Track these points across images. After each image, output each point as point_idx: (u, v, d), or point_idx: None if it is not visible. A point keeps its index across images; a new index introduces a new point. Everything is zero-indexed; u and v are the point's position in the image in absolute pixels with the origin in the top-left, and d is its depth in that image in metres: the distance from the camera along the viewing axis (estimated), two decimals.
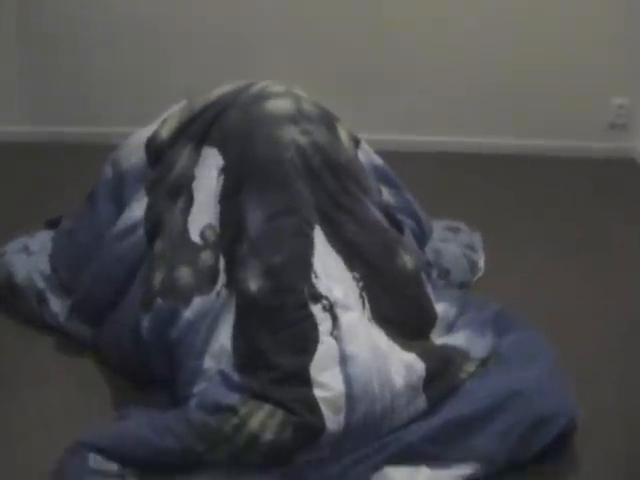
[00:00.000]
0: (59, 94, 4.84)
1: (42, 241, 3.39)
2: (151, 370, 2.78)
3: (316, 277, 2.67)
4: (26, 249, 3.37)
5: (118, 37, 4.70)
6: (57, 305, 3.12)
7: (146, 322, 2.72)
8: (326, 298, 2.63)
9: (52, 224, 3.54)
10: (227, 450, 2.36)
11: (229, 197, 2.80)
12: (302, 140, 2.88)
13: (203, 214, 2.80)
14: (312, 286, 2.64)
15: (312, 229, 2.76)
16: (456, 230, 3.78)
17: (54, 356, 3.01)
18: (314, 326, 2.57)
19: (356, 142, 3.19)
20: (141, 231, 2.88)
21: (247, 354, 2.58)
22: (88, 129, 4.82)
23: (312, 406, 2.41)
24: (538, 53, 4.72)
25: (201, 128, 2.95)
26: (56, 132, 4.83)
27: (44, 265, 3.22)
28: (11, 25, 4.71)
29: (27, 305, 3.17)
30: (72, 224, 3.23)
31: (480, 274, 3.56)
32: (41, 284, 3.17)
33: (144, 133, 3.06)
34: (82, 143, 4.70)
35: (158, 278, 2.74)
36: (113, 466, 2.36)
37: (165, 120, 3.06)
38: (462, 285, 3.43)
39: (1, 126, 4.86)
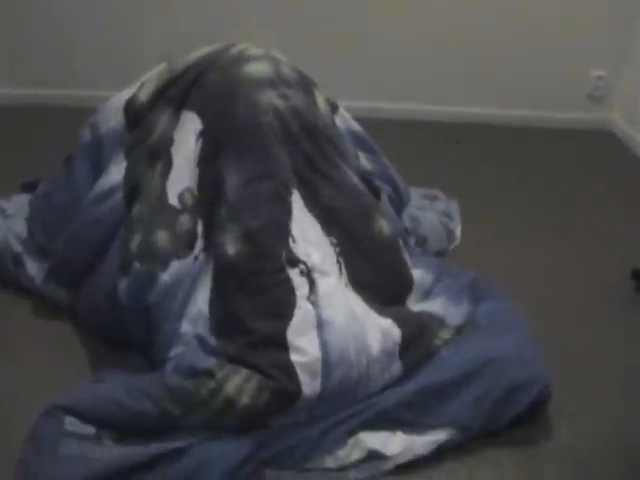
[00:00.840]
0: (37, 56, 4.82)
1: (19, 204, 3.38)
2: (128, 333, 2.77)
3: (294, 242, 2.67)
4: (2, 212, 3.37)
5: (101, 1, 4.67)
6: (34, 268, 3.11)
7: (123, 285, 2.71)
8: (304, 263, 2.63)
9: (29, 187, 3.53)
10: (203, 414, 2.37)
11: (207, 161, 2.79)
12: (280, 104, 2.86)
13: (181, 178, 2.79)
14: (290, 250, 2.64)
15: (290, 194, 2.76)
16: (433, 198, 3.80)
17: (31, 319, 3.01)
18: (291, 291, 2.57)
19: (334, 107, 3.19)
20: (119, 194, 2.86)
21: (224, 318, 2.58)
22: (66, 92, 4.82)
23: (289, 371, 2.41)
24: (520, 24, 4.73)
25: (180, 91, 2.94)
26: (33, 94, 4.83)
27: (21, 228, 3.21)
28: None
29: (3, 268, 3.16)
30: (49, 187, 3.21)
31: (457, 242, 3.58)
32: (17, 247, 3.16)
33: (122, 96, 3.04)
34: (60, 106, 4.69)
35: (136, 242, 2.73)
36: (89, 429, 2.37)
37: (143, 83, 3.03)
38: (439, 253, 3.45)
39: None
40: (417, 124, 4.84)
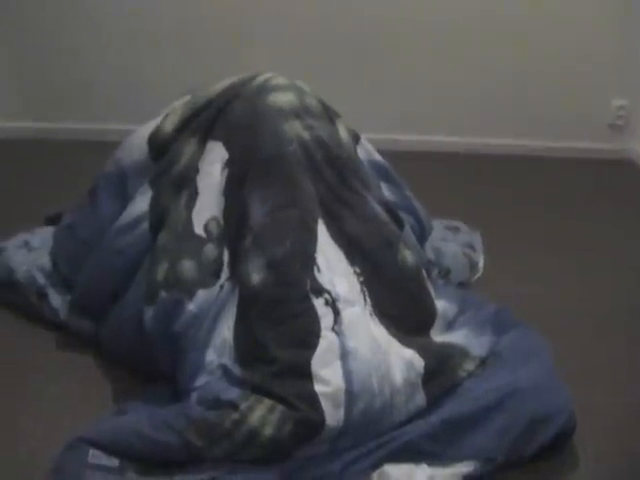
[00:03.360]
0: (54, 89, 4.87)
1: (43, 237, 3.39)
2: (153, 363, 2.77)
3: (319, 271, 2.67)
4: (26, 245, 3.38)
5: (117, 34, 4.74)
6: (58, 301, 3.12)
7: (149, 315, 2.71)
8: (328, 292, 2.63)
9: (53, 220, 3.55)
10: (227, 445, 2.36)
11: (233, 190, 2.80)
12: (305, 135, 2.88)
13: (207, 207, 2.80)
14: (314, 280, 2.65)
15: (315, 223, 2.77)
16: (456, 230, 3.80)
17: (55, 352, 3.00)
18: (316, 320, 2.57)
19: (356, 138, 3.20)
20: (145, 224, 2.88)
21: (249, 347, 2.58)
22: (87, 125, 4.87)
23: (312, 401, 2.41)
24: (539, 54, 4.77)
25: (205, 122, 2.95)
26: (55, 128, 4.87)
27: (45, 261, 3.22)
28: (9, 20, 4.73)
29: (28, 301, 3.16)
30: (73, 220, 3.22)
31: (479, 274, 3.58)
32: (42, 280, 3.17)
33: (146, 129, 3.05)
34: (81, 140, 4.73)
35: (162, 271, 2.74)
36: (113, 461, 2.35)
37: (168, 114, 3.05)
38: (461, 284, 3.44)
39: (1, 122, 4.86)
40: (438, 155, 4.85)
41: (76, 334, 3.04)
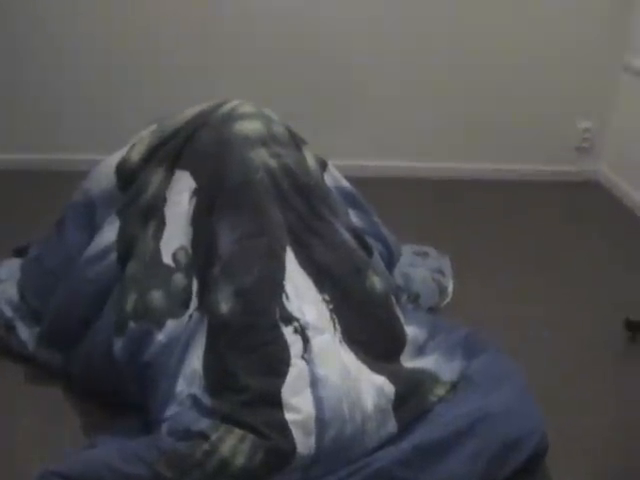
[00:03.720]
0: (21, 121, 4.84)
1: (10, 269, 3.37)
2: (123, 394, 2.76)
3: (287, 299, 2.66)
4: None
5: (85, 65, 4.73)
6: (26, 333, 3.09)
7: (119, 345, 2.70)
8: (297, 320, 2.63)
9: (20, 252, 3.53)
10: (198, 476, 2.34)
11: (201, 219, 2.80)
12: (272, 163, 2.89)
13: (175, 237, 2.80)
14: (283, 308, 2.64)
15: (284, 250, 2.76)
16: (425, 255, 3.81)
17: (24, 385, 2.98)
18: (285, 348, 2.56)
19: (323, 166, 3.21)
20: (113, 255, 2.87)
21: (218, 376, 2.57)
22: (54, 156, 4.83)
23: (283, 429, 2.40)
24: (506, 78, 4.82)
25: (172, 151, 2.95)
26: (19, 159, 4.84)
27: (12, 293, 3.20)
28: None
29: None
30: (40, 250, 3.20)
31: (449, 299, 3.58)
32: (9, 313, 3.15)
33: (114, 159, 3.05)
34: (48, 171, 4.70)
35: (131, 301, 2.73)
36: None
37: (135, 144, 3.05)
38: (431, 309, 3.44)
39: None
40: (405, 181, 4.86)
41: (45, 366, 3.01)
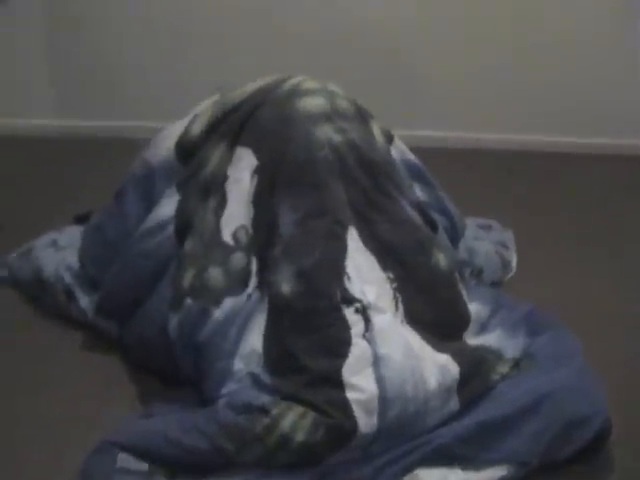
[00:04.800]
0: (85, 87, 4.84)
1: (71, 236, 3.38)
2: (178, 370, 2.76)
3: (349, 280, 2.63)
4: (55, 244, 3.38)
5: (148, 32, 4.70)
6: (85, 301, 3.10)
7: (174, 322, 2.70)
8: (359, 301, 2.60)
9: (81, 219, 3.54)
10: (258, 451, 2.34)
11: (262, 198, 2.77)
12: (337, 138, 2.83)
13: (236, 215, 2.77)
14: (344, 289, 2.61)
15: (345, 230, 2.73)
16: (488, 228, 3.76)
17: (81, 353, 3.00)
18: (346, 329, 2.54)
19: (389, 138, 3.15)
20: (171, 229, 2.85)
21: (279, 357, 2.56)
22: (116, 123, 4.82)
23: (345, 408, 2.38)
24: (576, 51, 4.69)
25: (234, 127, 2.91)
26: (82, 126, 4.84)
27: (72, 260, 3.21)
28: (42, 19, 4.71)
29: (55, 301, 3.16)
30: (101, 220, 3.20)
31: (512, 273, 3.53)
32: (69, 280, 3.16)
33: (175, 130, 3.03)
34: (110, 138, 4.70)
35: (188, 277, 2.72)
36: (142, 465, 2.35)
37: (196, 116, 3.02)
38: (494, 284, 3.40)
39: (30, 119, 4.88)
40: (468, 153, 4.80)
41: (103, 335, 3.03)
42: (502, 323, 2.94)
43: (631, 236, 3.97)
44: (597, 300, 3.39)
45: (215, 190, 2.83)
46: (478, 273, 3.36)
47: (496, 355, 2.76)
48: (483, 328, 2.94)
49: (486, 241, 3.60)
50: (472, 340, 2.86)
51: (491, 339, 2.86)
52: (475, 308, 2.98)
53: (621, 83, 4.80)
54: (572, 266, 3.66)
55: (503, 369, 2.70)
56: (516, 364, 2.74)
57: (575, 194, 4.39)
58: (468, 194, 3.88)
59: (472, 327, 2.92)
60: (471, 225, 3.60)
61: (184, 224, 2.83)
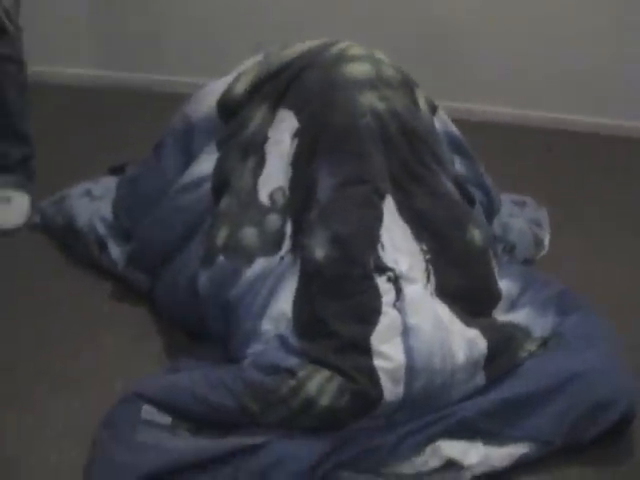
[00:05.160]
0: (128, 39, 4.85)
1: (106, 187, 3.40)
2: (206, 326, 2.77)
3: (383, 249, 2.62)
4: (89, 194, 3.40)
5: None
6: (117, 252, 3.13)
7: (204, 278, 2.70)
8: (391, 270, 2.59)
9: (116, 171, 3.56)
10: (282, 412, 2.35)
11: (302, 161, 2.76)
12: (380, 106, 2.81)
13: (274, 176, 2.77)
14: (378, 258, 2.60)
15: (382, 199, 2.71)
16: (522, 204, 3.73)
17: (111, 303, 3.03)
18: (377, 297, 2.53)
19: (433, 109, 3.13)
20: (208, 185, 2.86)
21: (308, 321, 2.55)
22: (157, 76, 4.84)
23: (371, 375, 2.38)
24: (620, 33, 4.62)
25: (277, 88, 2.91)
26: (125, 78, 4.86)
27: (106, 211, 3.23)
28: None
29: (87, 250, 3.19)
30: (137, 172, 3.22)
31: (544, 251, 3.51)
32: (102, 230, 3.18)
33: (217, 87, 3.02)
34: (148, 90, 4.72)
35: (222, 235, 2.72)
36: (166, 418, 2.37)
37: (240, 75, 3.01)
38: (526, 261, 3.38)
39: (69, 69, 4.90)
40: (509, 128, 4.76)
41: (132, 286, 3.06)
42: (532, 301, 2.92)
43: None
44: (632, 283, 3.37)
45: (254, 150, 2.83)
46: (511, 249, 3.34)
47: (524, 333, 2.75)
48: (513, 305, 2.93)
49: (520, 218, 3.57)
50: (501, 317, 2.85)
51: (520, 317, 2.84)
52: (506, 285, 2.96)
53: None
54: (608, 247, 3.63)
55: (531, 347, 2.69)
56: (544, 343, 2.73)
57: (613, 175, 4.35)
58: (505, 169, 3.87)
59: (502, 304, 2.91)
60: (506, 201, 3.58)
61: (221, 182, 2.83)
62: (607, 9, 4.60)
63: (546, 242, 3.55)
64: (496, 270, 2.97)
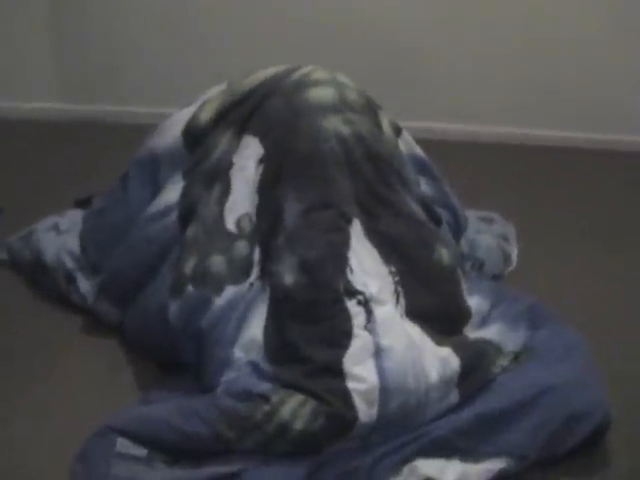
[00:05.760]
0: (89, 72, 4.84)
1: (72, 220, 3.38)
2: (178, 356, 2.76)
3: (351, 272, 2.63)
4: (56, 228, 3.38)
5: (151, 18, 4.70)
6: (86, 286, 3.11)
7: (175, 308, 2.69)
8: (361, 293, 2.60)
9: (82, 203, 3.54)
10: (257, 438, 2.34)
11: (267, 188, 2.77)
12: (344, 130, 2.83)
13: (240, 203, 2.77)
14: (347, 282, 2.61)
15: (349, 223, 2.73)
16: (490, 221, 3.76)
17: (81, 337, 3.01)
18: (348, 320, 2.54)
19: (397, 131, 3.15)
20: (174, 215, 2.85)
21: (280, 346, 2.55)
22: (118, 108, 4.83)
23: (345, 397, 2.38)
24: (578, 47, 4.68)
25: (242, 115, 2.91)
26: (85, 110, 4.84)
27: (74, 244, 3.22)
28: (44, 3, 4.71)
29: (56, 285, 3.17)
30: (104, 204, 3.22)
31: (513, 266, 3.53)
32: (70, 264, 3.16)
33: (182, 116, 3.03)
34: (113, 123, 4.70)
35: (190, 265, 2.71)
36: (141, 450, 2.35)
37: (204, 103, 3.01)
38: (495, 277, 3.40)
39: (33, 103, 4.88)
40: (471, 145, 4.79)
41: (102, 319, 3.04)
42: (502, 316, 2.93)
43: (634, 234, 3.96)
44: (597, 294, 3.39)
45: (220, 177, 2.83)
46: (479, 266, 3.36)
47: (496, 348, 2.76)
48: (484, 321, 2.94)
49: (488, 234, 3.60)
50: (473, 334, 2.86)
51: (491, 332, 2.85)
52: (476, 301, 2.97)
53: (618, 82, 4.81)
54: (573, 261, 3.65)
55: (503, 362, 2.71)
56: (516, 357, 2.74)
57: (579, 189, 4.38)
58: (470, 187, 3.88)
59: (473, 320, 2.91)
60: (473, 218, 3.60)
61: (188, 211, 2.83)
62: (566, 28, 4.67)
63: (514, 257, 3.58)
64: (465, 288, 2.98)
